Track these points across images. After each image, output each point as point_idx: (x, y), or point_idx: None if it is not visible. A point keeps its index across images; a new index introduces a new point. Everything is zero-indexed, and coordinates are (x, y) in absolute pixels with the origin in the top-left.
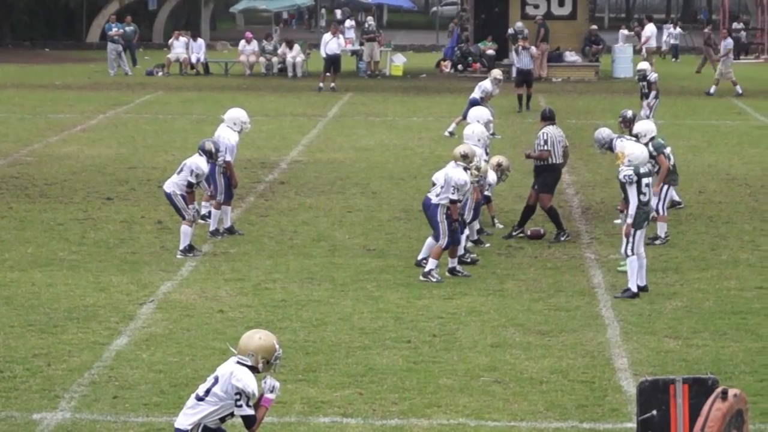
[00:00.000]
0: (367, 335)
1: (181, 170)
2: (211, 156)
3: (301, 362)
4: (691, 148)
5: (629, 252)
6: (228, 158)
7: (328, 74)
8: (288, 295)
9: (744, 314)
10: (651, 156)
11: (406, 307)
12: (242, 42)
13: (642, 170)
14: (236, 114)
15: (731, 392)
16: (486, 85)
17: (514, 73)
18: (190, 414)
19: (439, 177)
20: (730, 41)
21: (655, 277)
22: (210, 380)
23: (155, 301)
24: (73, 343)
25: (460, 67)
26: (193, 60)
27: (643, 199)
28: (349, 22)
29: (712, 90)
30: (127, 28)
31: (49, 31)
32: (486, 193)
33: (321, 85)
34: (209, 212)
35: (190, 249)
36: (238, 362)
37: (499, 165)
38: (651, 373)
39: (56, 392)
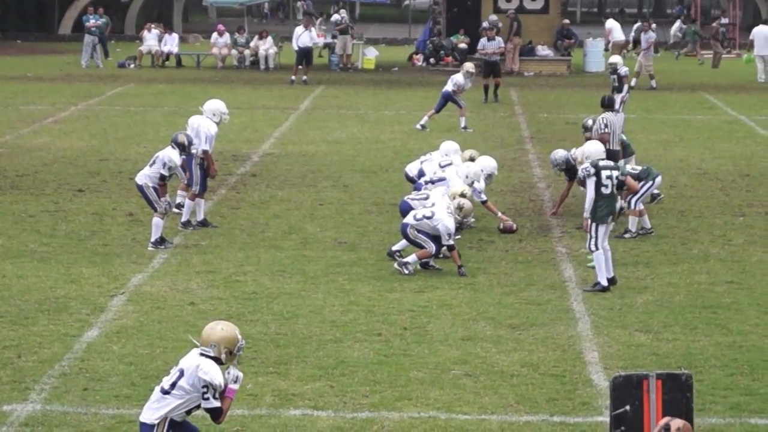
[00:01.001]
0: (338, 328)
1: (154, 162)
2: (184, 149)
3: (272, 355)
4: (662, 143)
5: (593, 247)
6: (206, 148)
7: (300, 67)
8: (259, 287)
9: (714, 308)
10: (620, 185)
11: (377, 300)
12: (214, 35)
13: (602, 163)
14: (216, 105)
15: (674, 426)
16: (458, 78)
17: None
18: (155, 408)
19: (431, 199)
20: (652, 35)
21: (625, 271)
22: (175, 373)
23: (126, 294)
24: (43, 335)
25: (432, 60)
26: (165, 51)
27: (605, 192)
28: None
29: (633, 82)
30: (100, 20)
31: (21, 23)
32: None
33: (293, 78)
34: (183, 202)
35: (161, 241)
36: (202, 354)
37: (459, 207)
38: (622, 366)
39: (27, 384)
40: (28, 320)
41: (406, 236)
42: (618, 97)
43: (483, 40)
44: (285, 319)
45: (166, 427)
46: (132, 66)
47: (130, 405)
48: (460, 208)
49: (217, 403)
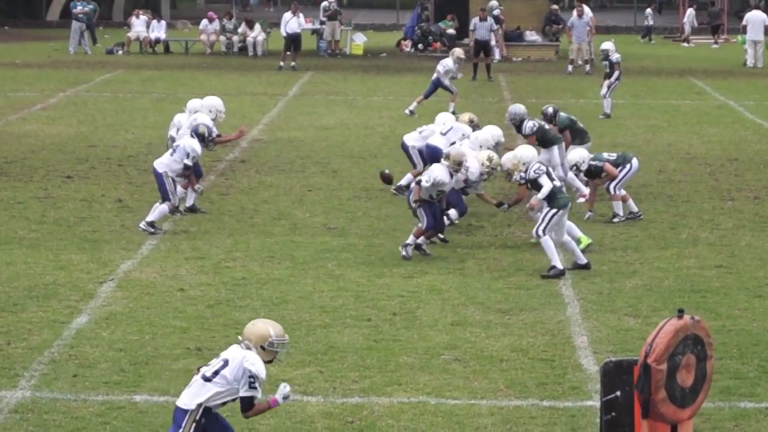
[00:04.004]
0: (328, 314)
1: (174, 151)
2: (203, 139)
3: None
4: (650, 128)
5: (541, 232)
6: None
7: (288, 53)
8: (248, 273)
9: (703, 293)
10: (598, 172)
11: (366, 285)
12: (203, 21)
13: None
14: (214, 102)
15: (688, 315)
16: (448, 63)
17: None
18: (194, 394)
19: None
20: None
21: (614, 256)
22: (218, 362)
23: (115, 280)
24: (33, 322)
25: (420, 46)
26: (153, 38)
27: (557, 184)
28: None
29: (569, 68)
30: (87, 7)
31: (8, 9)
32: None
33: (281, 63)
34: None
35: (152, 225)
36: (245, 348)
37: (489, 159)
38: (611, 351)
39: (16, 371)
40: (17, 307)
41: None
42: (606, 83)
43: (475, 20)
44: (274, 305)
45: (200, 414)
46: (120, 52)
47: (119, 391)
48: (490, 159)
49: (258, 394)
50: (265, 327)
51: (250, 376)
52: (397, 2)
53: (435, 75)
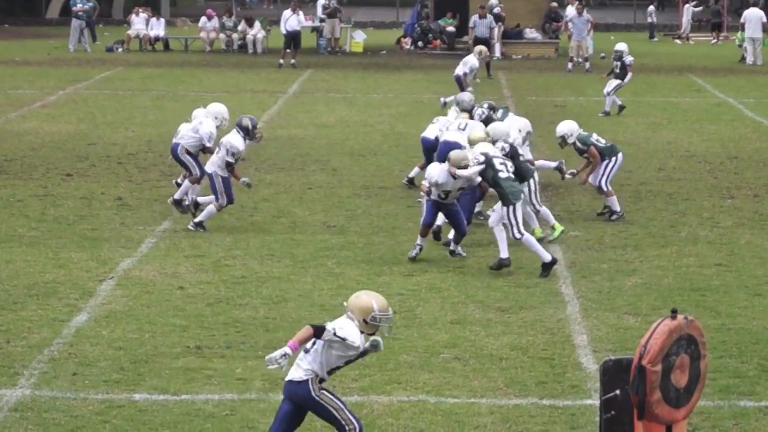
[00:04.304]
0: (328, 312)
1: (219, 149)
2: (248, 132)
3: (262, 339)
4: (650, 125)
5: (517, 234)
6: (209, 145)
7: (288, 50)
8: (248, 271)
9: (703, 291)
10: (581, 151)
11: (366, 283)
12: (203, 18)
13: (491, 153)
14: (219, 109)
15: (681, 315)
16: (472, 61)
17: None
18: (301, 365)
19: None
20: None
21: (614, 254)
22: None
23: (115, 278)
24: (32, 320)
25: (420, 44)
26: (152, 36)
27: (503, 175)
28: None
29: (569, 65)
30: (87, 4)
31: (8, 7)
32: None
33: (281, 61)
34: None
35: (201, 226)
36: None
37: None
38: (610, 349)
39: (16, 369)
40: (17, 305)
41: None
42: (614, 83)
43: (474, 17)
44: (274, 303)
45: (316, 383)
46: (120, 50)
47: (119, 389)
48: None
49: (335, 337)
50: (368, 300)
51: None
52: (397, 0)
53: (456, 72)
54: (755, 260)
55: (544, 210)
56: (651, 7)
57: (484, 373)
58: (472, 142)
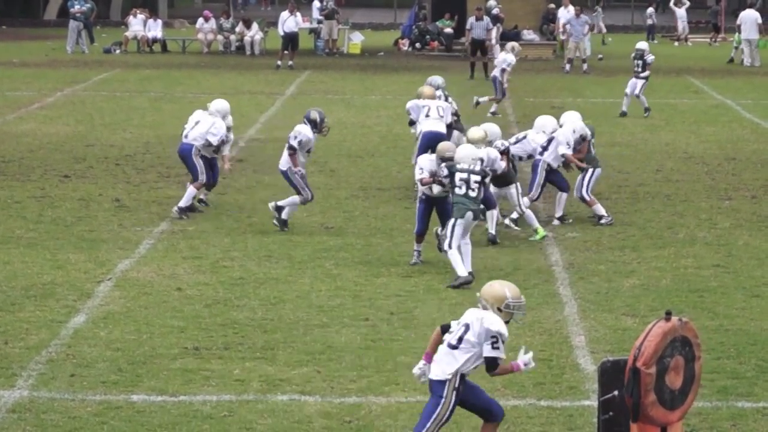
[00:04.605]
0: (325, 313)
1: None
2: (315, 125)
3: (259, 340)
4: (648, 127)
5: (446, 246)
6: (220, 143)
7: (286, 52)
8: (246, 272)
9: (701, 292)
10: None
11: (364, 285)
12: (200, 20)
13: (458, 167)
14: (223, 105)
15: (675, 316)
16: (509, 58)
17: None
18: (445, 363)
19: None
20: (585, 18)
21: (612, 255)
22: (460, 329)
23: (113, 279)
24: (30, 321)
25: (417, 45)
26: (150, 37)
27: (459, 192)
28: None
29: (567, 67)
30: (85, 6)
31: (5, 8)
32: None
33: (279, 62)
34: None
35: (284, 224)
36: (482, 309)
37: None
38: (608, 351)
39: (13, 370)
40: (15, 306)
41: None
42: (639, 83)
43: (471, 19)
44: (272, 305)
45: (457, 382)
46: (117, 51)
47: (117, 391)
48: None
49: (501, 354)
50: (501, 289)
51: (492, 336)
52: (395, 1)
53: (493, 73)
54: (753, 261)
55: (529, 213)
56: (650, 9)
57: (482, 374)
58: (471, 141)
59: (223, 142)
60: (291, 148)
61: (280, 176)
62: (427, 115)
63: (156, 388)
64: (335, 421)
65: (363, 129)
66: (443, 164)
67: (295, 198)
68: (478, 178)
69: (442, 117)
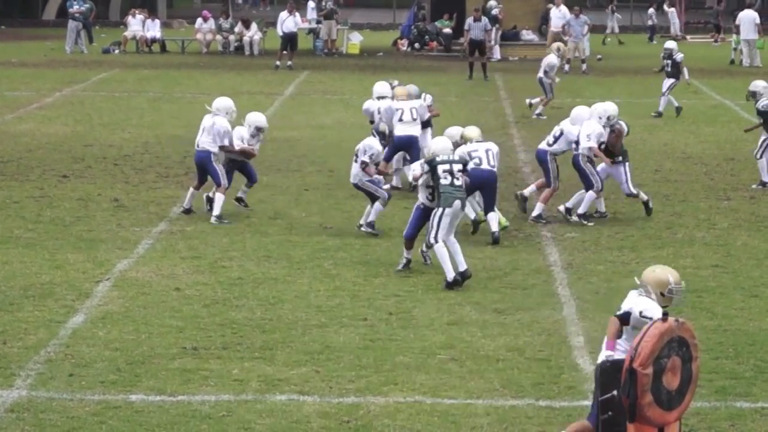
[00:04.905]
0: (324, 313)
1: (357, 156)
2: (384, 137)
3: (258, 340)
4: (647, 127)
5: (432, 240)
6: (225, 143)
7: (284, 52)
8: (244, 272)
9: (699, 292)
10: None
11: (362, 285)
12: (199, 20)
13: (438, 159)
14: (227, 103)
15: (672, 317)
16: (552, 60)
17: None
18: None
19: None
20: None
21: (611, 255)
22: (623, 309)
23: (111, 279)
24: (29, 321)
25: (417, 45)
26: (149, 37)
27: (444, 182)
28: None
29: (566, 67)
30: (84, 6)
31: (5, 8)
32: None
33: (278, 63)
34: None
35: (371, 226)
36: (639, 295)
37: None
38: None
39: (12, 370)
40: (14, 306)
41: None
42: (668, 82)
43: (469, 20)
44: (270, 305)
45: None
46: (116, 51)
47: (115, 390)
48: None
49: None
50: (664, 274)
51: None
52: (394, 1)
53: (539, 75)
54: (751, 261)
55: (492, 215)
56: (651, 10)
57: (480, 375)
58: (466, 139)
59: (222, 146)
60: (363, 163)
61: (279, 176)
62: (400, 119)
63: (154, 388)
64: (333, 421)
65: (362, 129)
66: (422, 161)
67: (377, 206)
68: (459, 166)
69: (415, 120)
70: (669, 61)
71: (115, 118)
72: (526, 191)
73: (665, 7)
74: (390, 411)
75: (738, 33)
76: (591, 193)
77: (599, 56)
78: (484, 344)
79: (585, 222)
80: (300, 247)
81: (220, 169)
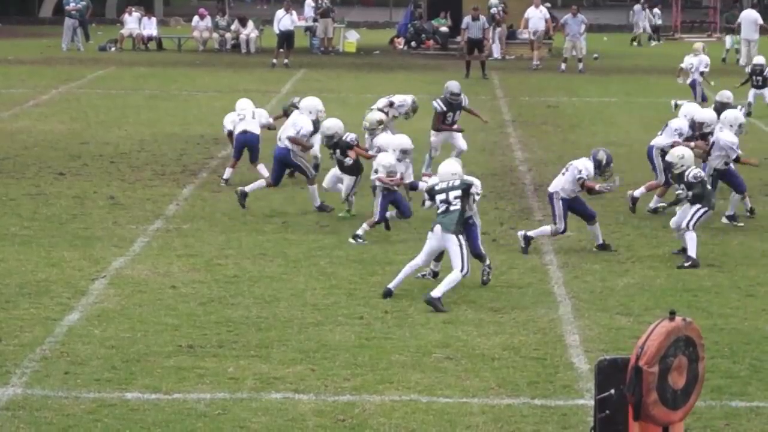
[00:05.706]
0: (320, 311)
1: (566, 170)
2: (599, 166)
3: (254, 338)
4: (643, 126)
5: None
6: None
7: (281, 50)
8: (240, 271)
9: (695, 292)
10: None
11: (358, 283)
12: (195, 18)
13: (438, 187)
14: (314, 103)
15: (680, 316)
16: (706, 58)
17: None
18: None
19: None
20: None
21: (607, 254)
22: None
23: (107, 277)
24: (24, 319)
25: (413, 44)
26: (146, 35)
27: (439, 211)
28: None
29: (562, 66)
30: (80, 4)
31: (1, 6)
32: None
33: (274, 61)
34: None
35: (528, 241)
36: None
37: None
38: (603, 350)
39: (7, 368)
40: (9, 304)
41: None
42: (754, 92)
43: (467, 19)
44: (266, 303)
45: None
46: (113, 49)
47: (111, 388)
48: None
49: None
50: None
51: None
52: (390, 0)
53: (693, 78)
54: (747, 261)
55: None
56: (656, 10)
57: (476, 373)
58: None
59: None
60: (581, 179)
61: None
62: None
63: (150, 385)
64: (329, 419)
65: (358, 128)
66: (425, 193)
67: (546, 228)
68: (458, 192)
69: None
70: (760, 78)
71: (111, 115)
72: (636, 192)
73: (635, 7)
74: (385, 409)
75: (738, 33)
76: (736, 195)
77: (595, 55)
78: (479, 343)
79: (735, 223)
80: (296, 245)
81: (303, 162)
